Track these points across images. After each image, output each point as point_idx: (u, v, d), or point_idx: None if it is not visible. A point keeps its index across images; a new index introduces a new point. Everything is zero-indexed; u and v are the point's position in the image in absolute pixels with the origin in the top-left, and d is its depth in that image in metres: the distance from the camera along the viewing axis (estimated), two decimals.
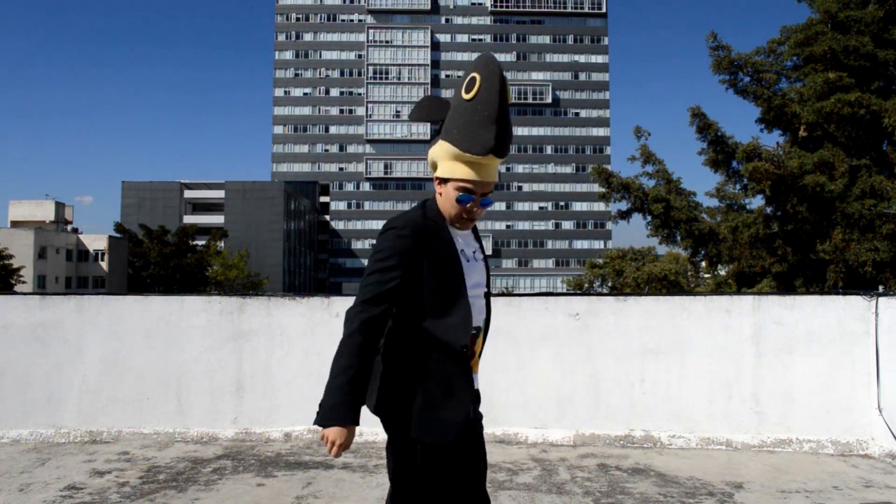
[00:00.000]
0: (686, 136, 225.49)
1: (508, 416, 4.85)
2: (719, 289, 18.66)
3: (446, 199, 2.04)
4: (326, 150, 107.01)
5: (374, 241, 2.10)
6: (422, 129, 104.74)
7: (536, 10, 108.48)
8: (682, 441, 4.76)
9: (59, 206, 68.30)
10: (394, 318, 2.06)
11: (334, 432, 1.92)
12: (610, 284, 39.91)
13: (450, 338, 1.99)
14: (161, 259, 53.63)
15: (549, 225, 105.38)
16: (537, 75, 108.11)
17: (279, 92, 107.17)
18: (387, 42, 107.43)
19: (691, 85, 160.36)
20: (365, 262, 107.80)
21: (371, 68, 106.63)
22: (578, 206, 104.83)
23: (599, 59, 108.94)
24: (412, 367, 2.01)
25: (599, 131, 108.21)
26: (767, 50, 14.40)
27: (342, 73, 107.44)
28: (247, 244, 71.39)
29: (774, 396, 4.79)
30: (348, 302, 5.03)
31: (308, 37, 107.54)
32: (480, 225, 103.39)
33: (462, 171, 2.00)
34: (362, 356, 1.96)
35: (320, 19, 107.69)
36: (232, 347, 5.00)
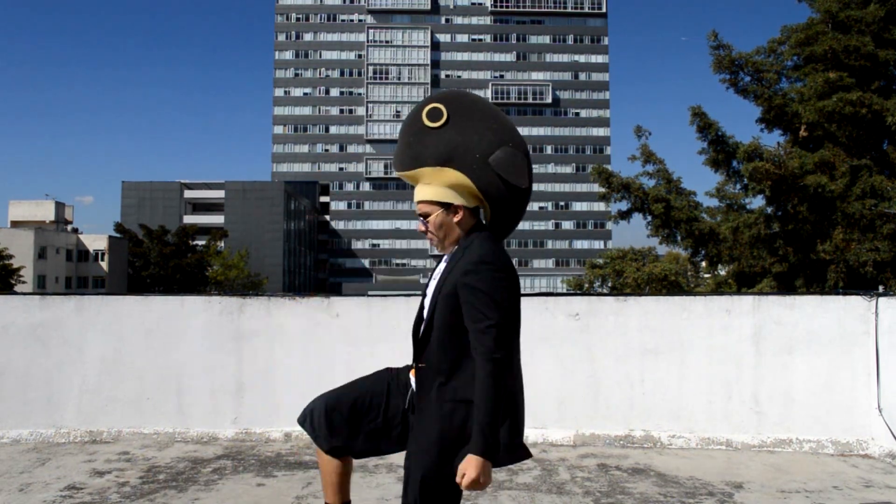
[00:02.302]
0: (686, 135, 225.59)
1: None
2: (719, 289, 18.66)
3: None
4: (326, 150, 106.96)
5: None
6: None
7: (536, 10, 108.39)
8: (682, 441, 4.76)
9: (59, 206, 68.29)
10: None
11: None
12: (610, 285, 39.88)
13: None
14: (161, 259, 53.62)
15: (549, 225, 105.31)
16: (537, 75, 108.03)
17: (279, 92, 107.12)
18: (387, 42, 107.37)
19: (692, 85, 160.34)
20: (365, 262, 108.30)
21: (371, 68, 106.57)
22: (578, 206, 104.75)
23: (599, 59, 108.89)
24: None
25: (599, 131, 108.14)
26: (768, 49, 14.38)
27: (342, 73, 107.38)
28: (247, 244, 71.31)
29: (774, 396, 4.79)
30: (348, 302, 5.02)
31: (308, 37, 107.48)
32: None
33: None
34: None
35: (320, 19, 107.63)
36: (232, 347, 5.00)
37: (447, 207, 2.09)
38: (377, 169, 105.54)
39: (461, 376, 2.02)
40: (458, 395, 2.01)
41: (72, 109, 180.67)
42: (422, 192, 2.11)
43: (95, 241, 62.92)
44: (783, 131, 13.81)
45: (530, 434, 4.81)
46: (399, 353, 4.38)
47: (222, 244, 63.67)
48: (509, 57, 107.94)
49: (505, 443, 2.03)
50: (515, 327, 2.07)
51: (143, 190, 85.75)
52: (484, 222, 2.20)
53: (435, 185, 2.09)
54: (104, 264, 62.40)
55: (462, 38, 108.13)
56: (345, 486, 2.29)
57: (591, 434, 4.82)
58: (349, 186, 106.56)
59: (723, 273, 19.67)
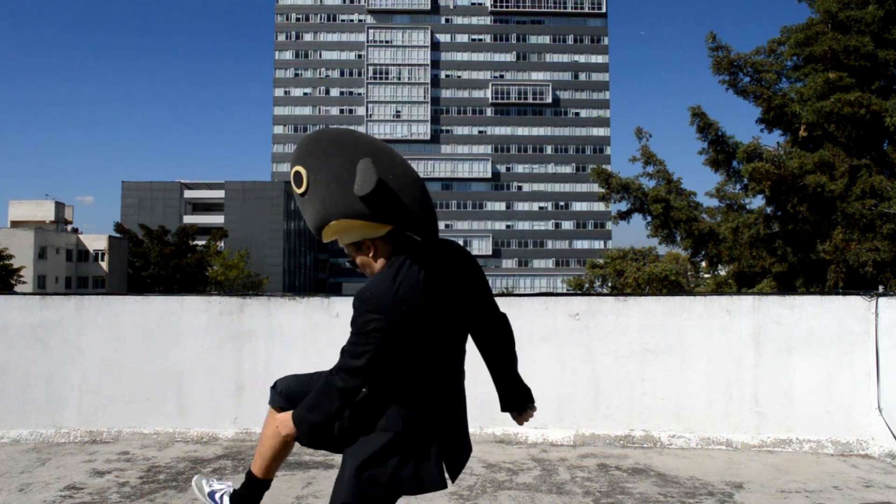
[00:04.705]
0: (686, 135, 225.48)
1: (509, 416, 4.84)
2: (719, 289, 18.67)
3: None
4: None
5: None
6: (422, 129, 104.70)
7: (536, 10, 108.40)
8: (682, 441, 4.76)
9: (59, 206, 68.31)
10: None
11: None
12: (610, 284, 39.89)
13: None
14: (161, 259, 53.64)
15: (549, 225, 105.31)
16: (537, 75, 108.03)
17: (279, 92, 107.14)
18: (387, 42, 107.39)
19: (691, 84, 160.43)
20: None
21: (371, 68, 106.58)
22: (578, 206, 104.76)
23: (599, 59, 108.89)
24: None
25: (599, 131, 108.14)
26: (767, 50, 14.39)
27: (342, 73, 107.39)
28: (247, 244, 71.35)
29: (774, 396, 4.79)
30: (348, 302, 5.02)
31: (308, 37, 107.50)
32: (481, 224, 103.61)
33: None
34: None
35: (320, 19, 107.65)
36: (232, 347, 5.00)
37: (358, 246, 2.15)
38: None
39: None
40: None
41: (72, 109, 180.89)
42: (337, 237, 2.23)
43: (95, 241, 62.95)
44: (783, 131, 13.82)
45: (530, 434, 4.81)
46: None
47: (222, 244, 63.69)
48: (509, 57, 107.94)
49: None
50: (369, 362, 2.08)
51: (143, 190, 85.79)
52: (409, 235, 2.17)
53: (342, 232, 2.15)
54: (104, 264, 62.41)
55: (462, 38, 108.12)
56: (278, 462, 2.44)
57: (591, 434, 4.82)
58: None
59: (723, 273, 19.69)
